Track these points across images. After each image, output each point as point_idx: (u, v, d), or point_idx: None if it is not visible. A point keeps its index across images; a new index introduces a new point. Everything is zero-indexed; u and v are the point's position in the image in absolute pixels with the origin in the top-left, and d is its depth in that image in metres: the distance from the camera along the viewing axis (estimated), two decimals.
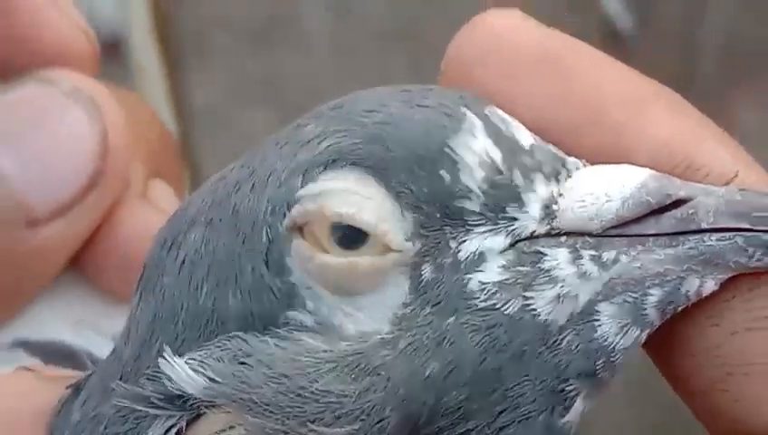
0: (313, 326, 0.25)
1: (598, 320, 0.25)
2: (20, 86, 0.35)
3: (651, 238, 0.25)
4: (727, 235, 0.25)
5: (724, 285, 0.26)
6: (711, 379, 0.26)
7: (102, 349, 0.30)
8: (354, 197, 0.25)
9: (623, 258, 0.25)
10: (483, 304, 0.25)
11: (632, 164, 0.26)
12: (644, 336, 0.26)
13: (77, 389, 0.29)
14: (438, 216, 0.25)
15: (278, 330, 0.25)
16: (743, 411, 0.26)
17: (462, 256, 0.26)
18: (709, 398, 0.26)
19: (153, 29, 0.98)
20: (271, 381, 0.24)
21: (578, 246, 0.26)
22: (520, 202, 0.26)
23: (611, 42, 1.02)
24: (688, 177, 0.26)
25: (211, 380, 0.25)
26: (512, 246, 0.26)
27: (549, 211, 0.26)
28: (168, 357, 0.25)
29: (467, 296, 0.25)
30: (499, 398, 0.25)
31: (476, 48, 0.28)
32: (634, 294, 0.25)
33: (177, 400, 0.25)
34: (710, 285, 0.25)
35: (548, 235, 0.26)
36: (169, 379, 0.25)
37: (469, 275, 0.25)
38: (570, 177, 0.26)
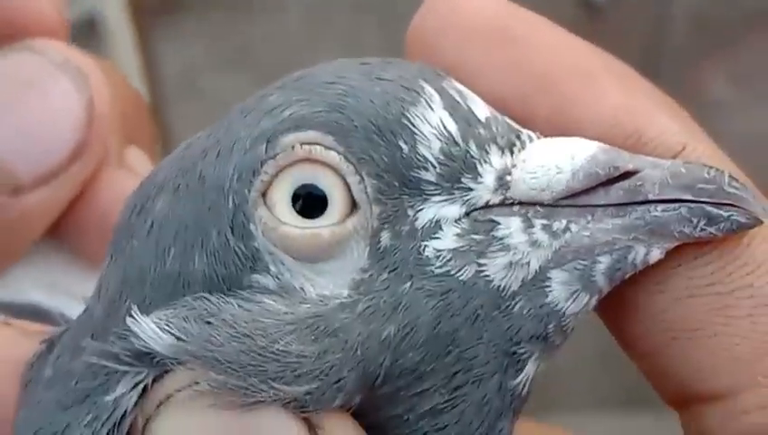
0: (276, 289, 0.26)
1: (549, 286, 0.26)
2: (10, 54, 0.35)
3: (600, 209, 0.26)
4: (672, 205, 0.26)
5: (671, 254, 0.27)
6: (658, 343, 0.27)
7: (76, 311, 0.31)
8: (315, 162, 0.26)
9: (573, 227, 0.26)
10: (438, 271, 0.26)
11: (583, 136, 0.27)
12: (593, 302, 0.27)
13: (50, 344, 0.29)
14: (397, 184, 0.26)
15: (242, 292, 0.26)
16: (687, 375, 0.27)
17: (419, 223, 0.26)
18: (657, 362, 0.27)
19: None
20: (234, 340, 0.25)
21: (530, 215, 0.26)
22: (475, 173, 0.27)
23: (584, 12, 1.02)
24: (638, 149, 0.27)
25: (177, 338, 0.25)
26: (467, 214, 0.27)
27: (503, 182, 0.27)
28: (136, 316, 0.26)
29: (423, 263, 0.26)
30: (454, 359, 0.26)
31: (437, 19, 0.29)
32: (583, 262, 0.26)
33: (145, 357, 0.26)
34: (656, 254, 0.26)
35: (501, 204, 0.27)
36: (137, 337, 0.26)
37: (425, 243, 0.26)
38: (523, 149, 0.27)
